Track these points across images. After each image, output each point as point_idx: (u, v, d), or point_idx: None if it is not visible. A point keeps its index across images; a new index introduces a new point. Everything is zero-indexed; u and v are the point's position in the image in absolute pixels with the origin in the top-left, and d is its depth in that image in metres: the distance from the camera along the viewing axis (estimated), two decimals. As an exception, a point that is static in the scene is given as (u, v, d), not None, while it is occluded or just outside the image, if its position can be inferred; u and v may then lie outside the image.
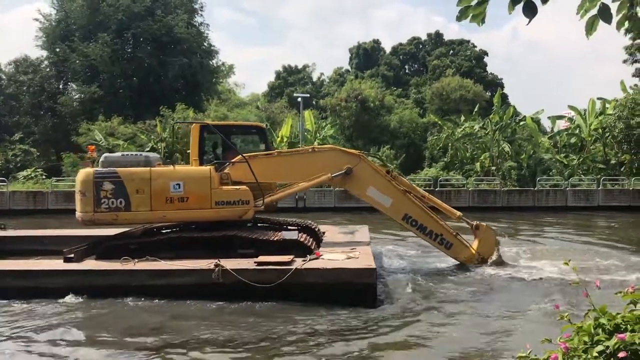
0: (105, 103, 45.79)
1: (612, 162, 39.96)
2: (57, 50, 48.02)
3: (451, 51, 73.90)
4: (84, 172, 12.14)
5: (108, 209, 11.85)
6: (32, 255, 13.36)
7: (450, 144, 41.00)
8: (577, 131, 41.54)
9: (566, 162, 39.07)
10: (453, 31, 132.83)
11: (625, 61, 52.81)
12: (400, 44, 78.87)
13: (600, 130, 39.93)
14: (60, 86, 49.89)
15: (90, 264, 11.38)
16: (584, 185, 36.13)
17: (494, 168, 38.37)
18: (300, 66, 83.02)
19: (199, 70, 48.53)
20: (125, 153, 14.10)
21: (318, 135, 39.74)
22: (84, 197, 11.86)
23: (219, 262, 10.50)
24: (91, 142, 38.51)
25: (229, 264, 10.60)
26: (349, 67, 79.77)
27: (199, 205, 12.11)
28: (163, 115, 40.03)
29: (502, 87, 70.24)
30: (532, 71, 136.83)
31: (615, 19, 4.21)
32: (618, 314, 2.88)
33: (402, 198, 13.53)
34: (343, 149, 14.41)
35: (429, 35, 77.80)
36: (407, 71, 78.18)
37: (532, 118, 42.24)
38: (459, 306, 10.79)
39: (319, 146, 14.09)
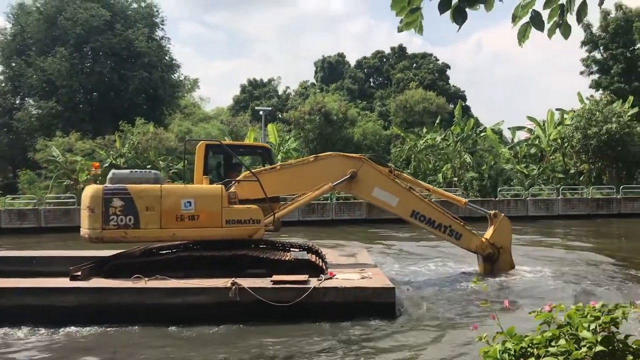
0: (63, 118, 44.74)
1: (572, 171, 40.73)
2: (13, 64, 46.86)
3: (414, 64, 74.82)
4: (93, 188, 11.71)
5: (117, 226, 11.42)
6: (20, 276, 12.68)
7: (413, 156, 41.23)
8: (536, 142, 42.25)
9: (526, 172, 39.64)
10: (417, 45, 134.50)
11: (582, 73, 54.20)
12: (365, 58, 79.53)
13: (559, 141, 40.70)
14: (17, 101, 48.65)
15: (100, 282, 10.95)
16: (544, 195, 36.64)
17: (456, 179, 38.66)
18: (266, 80, 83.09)
19: (160, 85, 47.82)
20: (134, 170, 13.72)
21: (282, 148, 39.51)
22: (92, 213, 11.39)
23: (235, 281, 10.29)
24: (48, 158, 37.56)
25: (245, 282, 10.39)
26: (314, 81, 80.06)
27: (209, 224, 11.84)
28: (122, 130, 39.27)
29: (465, 99, 71.30)
30: (496, 83, 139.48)
31: (547, 27, 4.20)
32: (527, 336, 2.69)
33: (407, 195, 13.61)
34: (344, 154, 14.36)
35: (392, 48, 78.63)
36: (371, 84, 78.79)
37: (492, 129, 42.83)
38: (470, 317, 10.78)
39: (321, 154, 13.95)
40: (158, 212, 11.61)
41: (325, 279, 10.85)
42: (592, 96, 46.51)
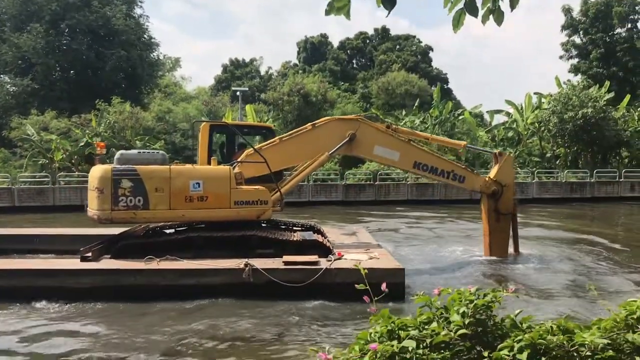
0: (39, 96, 44.06)
1: (548, 155, 41.09)
2: (-12, 41, 45.96)
3: (397, 46, 74.49)
4: (101, 169, 11.71)
5: (126, 207, 11.54)
6: (22, 254, 12.98)
7: (391, 138, 41.27)
8: (514, 125, 42.50)
9: (503, 156, 39.84)
10: (402, 26, 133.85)
11: (561, 57, 54.48)
12: (348, 39, 78.97)
13: (536, 125, 40.97)
14: (-7, 78, 47.79)
15: (113, 264, 11.00)
16: (520, 178, 36.95)
17: (433, 162, 38.84)
18: (248, 60, 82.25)
19: (139, 63, 47.20)
20: (142, 150, 13.90)
21: (260, 129, 39.28)
22: (102, 194, 11.48)
23: (248, 262, 10.42)
24: (23, 137, 37.03)
25: (257, 263, 10.53)
26: (297, 61, 79.43)
27: (218, 205, 12.01)
28: (99, 109, 38.79)
29: (447, 82, 71.37)
30: (479, 66, 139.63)
31: (480, 13, 4.21)
32: (398, 318, 2.76)
33: (408, 148, 13.82)
34: (340, 117, 14.47)
35: (375, 30, 78.18)
36: (354, 66, 78.32)
37: (470, 112, 42.96)
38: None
39: (318, 121, 13.93)
40: (167, 193, 11.73)
41: (334, 260, 11.05)
42: (569, 81, 46.82)
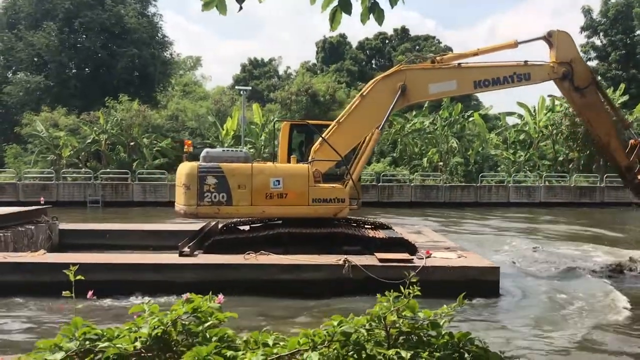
0: (52, 93, 44.76)
1: (560, 159, 40.15)
2: (5, 38, 46.83)
3: (416, 47, 73.80)
4: (188, 166, 12.27)
5: (210, 202, 12.06)
6: (93, 249, 13.32)
7: (399, 139, 40.87)
8: (526, 128, 41.67)
9: (513, 159, 39.18)
10: (427, 27, 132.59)
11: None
12: (367, 39, 78.55)
13: (550, 127, 40.07)
14: (10, 75, 48.70)
15: (215, 258, 11.39)
16: (529, 182, 36.23)
17: (441, 164, 38.33)
18: (269, 59, 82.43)
19: (151, 62, 47.59)
20: (226, 149, 14.57)
21: (266, 128, 39.23)
22: (188, 190, 12.04)
23: (347, 258, 10.69)
24: (32, 133, 37.65)
25: (354, 260, 10.76)
26: (315, 61, 79.33)
27: (296, 202, 12.34)
28: (107, 106, 39.21)
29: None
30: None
31: (359, 11, 4.12)
32: (118, 329, 2.56)
33: (461, 72, 13.42)
34: (384, 74, 13.80)
35: (395, 30, 77.64)
36: (373, 66, 77.84)
37: (481, 114, 42.23)
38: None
39: (364, 89, 13.61)
40: (249, 190, 12.15)
41: (426, 258, 11.12)
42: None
